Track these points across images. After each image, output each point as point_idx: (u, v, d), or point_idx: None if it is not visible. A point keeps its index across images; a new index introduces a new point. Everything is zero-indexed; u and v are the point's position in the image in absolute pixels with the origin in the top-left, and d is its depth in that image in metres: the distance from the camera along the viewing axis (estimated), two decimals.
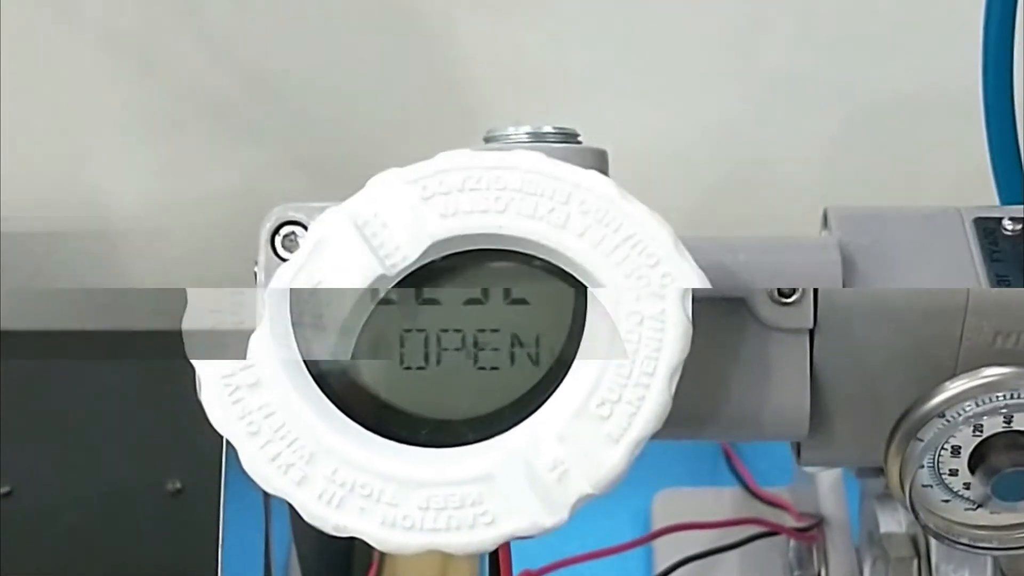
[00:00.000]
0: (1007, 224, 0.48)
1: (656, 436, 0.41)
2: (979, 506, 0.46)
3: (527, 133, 0.47)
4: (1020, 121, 0.57)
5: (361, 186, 0.43)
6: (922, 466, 0.45)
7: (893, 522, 0.58)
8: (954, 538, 0.46)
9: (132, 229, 0.95)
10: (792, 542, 0.70)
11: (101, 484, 0.73)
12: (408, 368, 0.43)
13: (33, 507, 0.73)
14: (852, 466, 0.56)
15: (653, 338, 0.41)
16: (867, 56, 0.88)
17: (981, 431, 0.45)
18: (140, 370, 0.83)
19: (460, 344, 0.43)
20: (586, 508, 0.41)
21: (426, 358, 0.43)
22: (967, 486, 0.46)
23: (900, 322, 0.45)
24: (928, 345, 0.45)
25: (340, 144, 0.92)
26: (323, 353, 0.42)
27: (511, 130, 0.47)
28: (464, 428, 0.43)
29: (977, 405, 0.44)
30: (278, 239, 0.47)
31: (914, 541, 0.56)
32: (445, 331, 0.43)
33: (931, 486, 0.46)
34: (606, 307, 0.41)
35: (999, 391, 0.44)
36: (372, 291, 0.42)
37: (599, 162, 0.46)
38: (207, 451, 0.69)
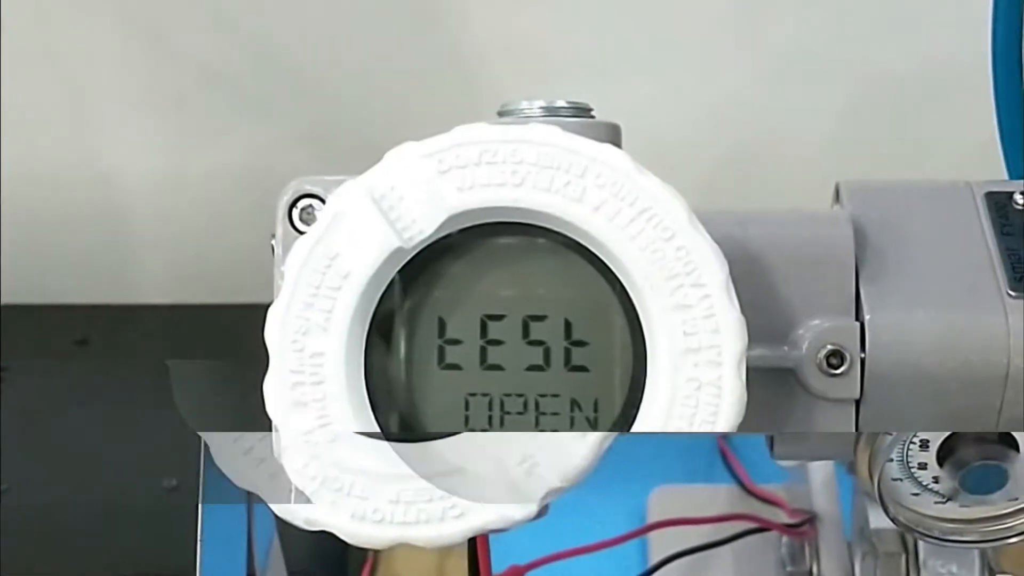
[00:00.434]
0: (1018, 199, 0.49)
1: None
2: (948, 499, 0.48)
3: (541, 107, 0.48)
4: None
5: (369, 160, 0.44)
6: (891, 459, 0.47)
7: (883, 518, 0.58)
8: (925, 531, 0.48)
9: (139, 204, 0.95)
10: (785, 538, 0.72)
11: (97, 482, 0.75)
12: (473, 431, 0.45)
13: (29, 505, 0.74)
14: (822, 459, 0.57)
15: (710, 404, 0.43)
16: (875, 31, 0.90)
17: None
18: (134, 367, 0.84)
19: (522, 408, 0.45)
20: (583, 505, 0.43)
21: (489, 421, 0.45)
22: (936, 479, 0.48)
23: (943, 393, 0.46)
24: (969, 415, 0.47)
25: (347, 119, 0.93)
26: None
27: (525, 104, 0.48)
28: None
29: None
30: (295, 212, 0.48)
31: (903, 537, 0.57)
32: (508, 395, 0.45)
33: (901, 480, 0.48)
34: (664, 372, 0.43)
35: None
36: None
37: (612, 136, 0.48)
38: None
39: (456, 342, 0.45)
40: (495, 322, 0.45)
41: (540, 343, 0.45)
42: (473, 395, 0.45)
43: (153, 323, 0.92)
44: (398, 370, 0.45)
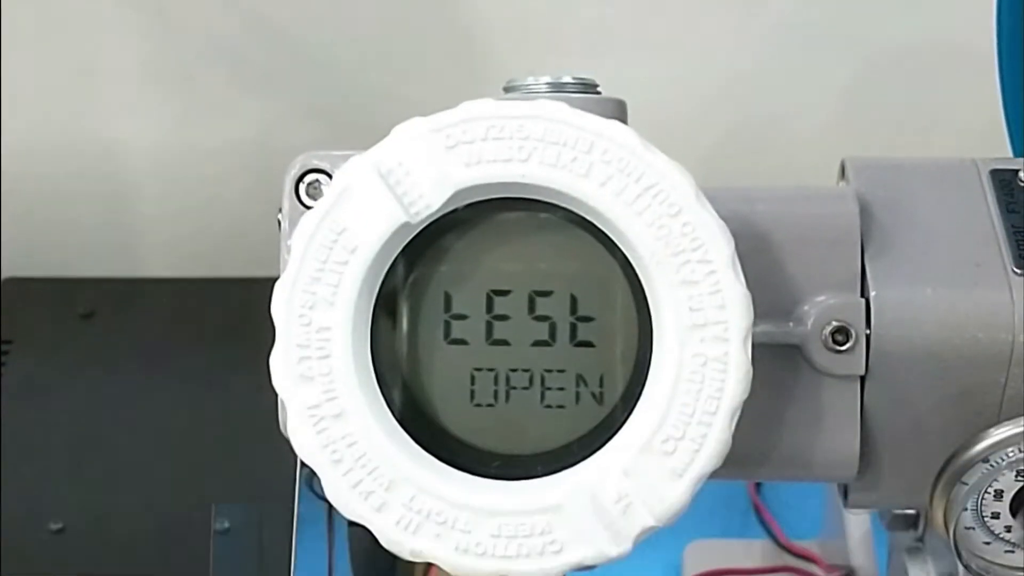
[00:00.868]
0: (1023, 176, 0.49)
1: (713, 475, 0.43)
2: (1019, 548, 0.48)
3: (547, 83, 0.48)
4: None
5: (376, 135, 0.44)
6: (965, 509, 0.48)
7: (922, 574, 0.59)
8: None
9: (145, 177, 0.96)
10: None
11: (151, 522, 0.76)
12: (478, 405, 0.45)
13: (85, 544, 0.75)
14: (897, 508, 0.58)
15: (716, 379, 0.43)
16: (881, 7, 0.90)
17: (1023, 476, 0.47)
18: (139, 341, 0.84)
19: (528, 383, 0.45)
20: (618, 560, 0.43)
21: (495, 396, 0.45)
22: (1008, 529, 0.48)
23: (946, 370, 0.47)
24: (974, 392, 0.47)
25: (353, 93, 0.93)
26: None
27: (531, 80, 0.48)
28: (533, 462, 0.45)
29: (1020, 451, 0.47)
30: (302, 187, 0.48)
31: None
32: (514, 370, 0.45)
33: (973, 528, 0.48)
34: (671, 348, 0.43)
35: None
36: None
37: (618, 112, 0.48)
38: (255, 491, 0.71)
39: (462, 317, 0.45)
40: (501, 297, 0.45)
41: (546, 318, 0.45)
42: (479, 370, 0.45)
43: (159, 297, 0.92)
44: (404, 345, 0.45)
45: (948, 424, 0.48)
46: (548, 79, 0.48)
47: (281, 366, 0.43)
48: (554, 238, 0.45)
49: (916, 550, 0.61)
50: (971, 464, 0.46)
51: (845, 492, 0.50)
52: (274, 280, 0.44)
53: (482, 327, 0.45)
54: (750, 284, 0.43)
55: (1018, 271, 0.47)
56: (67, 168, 0.98)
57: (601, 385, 0.45)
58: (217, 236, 0.99)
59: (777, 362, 0.48)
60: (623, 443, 0.44)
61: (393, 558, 0.44)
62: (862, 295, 0.47)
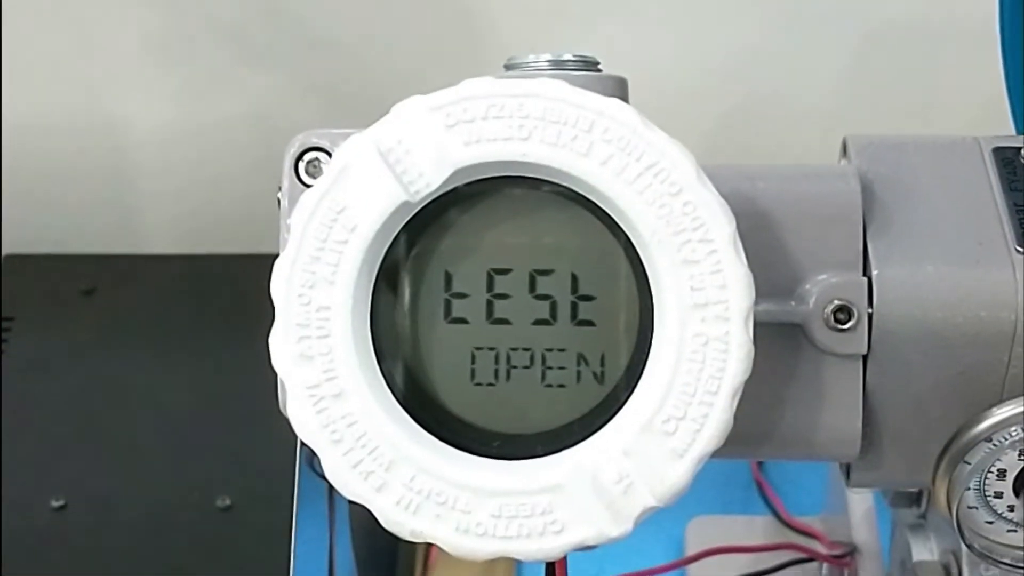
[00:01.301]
0: None
1: (715, 454, 0.43)
2: (1021, 527, 0.48)
3: (548, 61, 0.48)
4: None
5: (375, 112, 0.44)
6: (968, 488, 0.48)
7: (925, 550, 0.60)
8: (997, 558, 0.49)
9: (146, 153, 0.96)
10: (825, 569, 0.72)
11: (152, 499, 0.76)
12: (478, 384, 0.45)
13: (87, 522, 0.75)
14: (900, 487, 0.58)
15: (717, 359, 0.43)
16: None
17: None
18: (141, 317, 0.84)
19: (528, 362, 0.45)
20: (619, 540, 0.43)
21: (495, 375, 0.45)
22: (1011, 508, 0.48)
23: (949, 349, 0.47)
24: (975, 371, 0.47)
25: (354, 70, 0.93)
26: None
27: (531, 58, 0.48)
28: (534, 442, 0.45)
29: (1023, 430, 0.46)
30: (302, 165, 0.48)
31: (946, 569, 0.58)
32: (514, 349, 0.45)
33: (976, 508, 0.48)
34: (672, 328, 0.43)
35: None
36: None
37: (619, 90, 0.48)
38: (256, 469, 0.72)
39: (462, 296, 0.45)
40: (502, 276, 0.45)
41: (547, 297, 0.45)
42: (479, 349, 0.45)
43: (160, 273, 0.92)
44: (404, 324, 0.45)
45: (951, 403, 0.47)
46: (549, 57, 0.48)
47: (281, 345, 0.43)
48: (555, 217, 0.44)
49: (919, 527, 0.61)
50: (974, 443, 0.46)
51: (847, 471, 0.50)
52: (275, 257, 0.43)
53: (483, 306, 0.45)
54: (751, 263, 0.42)
55: (1021, 249, 0.47)
56: (68, 145, 0.98)
57: (602, 364, 0.45)
58: (218, 213, 0.99)
59: (779, 341, 0.48)
60: (624, 423, 0.43)
61: (394, 538, 0.43)
62: (864, 274, 0.47)
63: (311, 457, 0.48)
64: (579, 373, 0.45)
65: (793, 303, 0.47)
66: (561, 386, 0.45)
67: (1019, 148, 0.50)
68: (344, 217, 0.43)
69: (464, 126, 0.43)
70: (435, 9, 0.94)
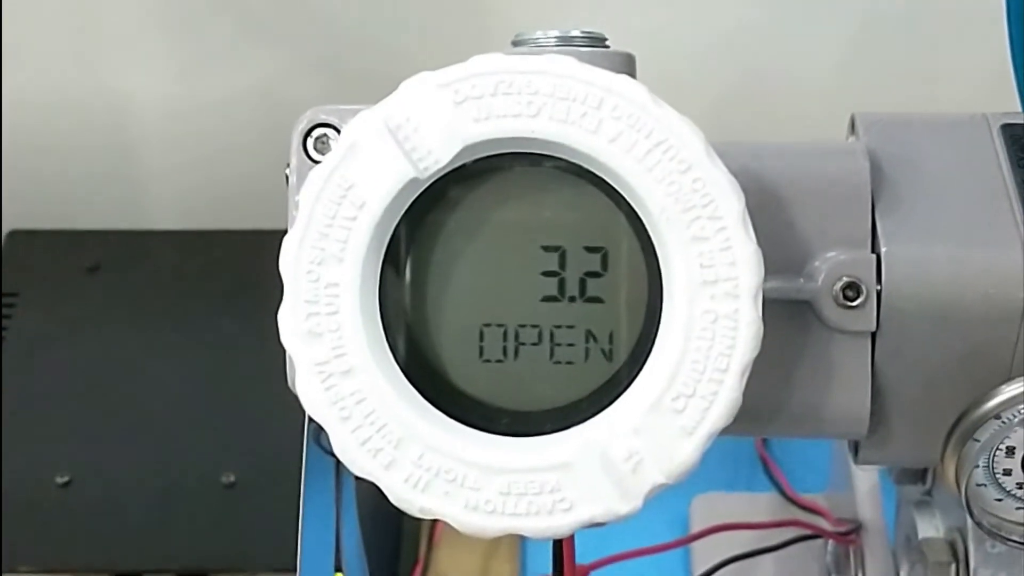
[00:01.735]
0: None
1: (724, 431, 0.43)
2: None
3: (556, 37, 0.48)
4: None
5: (380, 88, 0.44)
6: (977, 466, 0.47)
7: (931, 527, 0.60)
8: (1006, 535, 0.48)
9: (151, 129, 0.95)
10: (830, 546, 0.72)
11: (157, 476, 0.76)
12: (487, 361, 0.45)
13: (91, 497, 0.76)
14: (908, 465, 0.58)
15: (727, 336, 0.43)
16: None
17: None
18: (145, 293, 0.84)
19: (537, 339, 0.45)
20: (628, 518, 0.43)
21: (504, 352, 0.45)
22: (1020, 486, 0.48)
23: (958, 326, 0.47)
24: (985, 348, 0.47)
25: (360, 46, 0.92)
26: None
27: (539, 34, 0.48)
28: (542, 419, 0.45)
29: None
30: (310, 141, 0.48)
31: (952, 546, 0.58)
32: (523, 326, 0.45)
33: (985, 485, 0.48)
34: (681, 305, 0.43)
35: None
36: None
37: (627, 66, 0.48)
38: (260, 445, 0.72)
39: (471, 273, 0.45)
40: (510, 253, 0.45)
41: (555, 274, 0.45)
42: (488, 326, 0.45)
43: (164, 249, 0.92)
44: (413, 301, 0.45)
45: (959, 381, 0.47)
46: (557, 33, 0.48)
47: (289, 322, 0.43)
48: (563, 193, 0.44)
49: (924, 504, 0.61)
50: (983, 421, 0.46)
51: (855, 449, 0.50)
52: (282, 233, 0.43)
53: (491, 283, 0.45)
54: (760, 240, 0.42)
55: None
56: (72, 121, 0.98)
57: (611, 342, 0.45)
58: (223, 188, 0.99)
59: (787, 318, 0.48)
60: (633, 400, 0.43)
61: (399, 514, 0.43)
62: (873, 251, 0.47)
63: (318, 433, 0.48)
64: (587, 350, 0.45)
65: (802, 280, 0.47)
66: (569, 363, 0.45)
67: None
68: (353, 194, 0.43)
69: (473, 103, 0.43)
70: None
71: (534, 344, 0.45)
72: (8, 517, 0.74)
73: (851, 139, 0.51)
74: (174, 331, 0.87)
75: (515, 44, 0.48)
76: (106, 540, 0.75)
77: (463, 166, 0.44)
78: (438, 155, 0.43)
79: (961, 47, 0.92)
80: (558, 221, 0.45)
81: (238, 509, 0.76)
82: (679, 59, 0.92)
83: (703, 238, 0.43)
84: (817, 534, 0.73)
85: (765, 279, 0.43)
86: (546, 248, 0.45)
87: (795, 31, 0.94)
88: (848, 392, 0.48)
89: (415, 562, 0.79)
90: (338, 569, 0.55)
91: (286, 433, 0.52)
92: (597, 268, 0.45)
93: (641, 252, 0.44)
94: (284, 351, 0.44)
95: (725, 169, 0.43)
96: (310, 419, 0.44)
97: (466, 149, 0.43)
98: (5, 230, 0.94)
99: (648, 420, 0.43)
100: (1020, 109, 0.58)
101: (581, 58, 0.44)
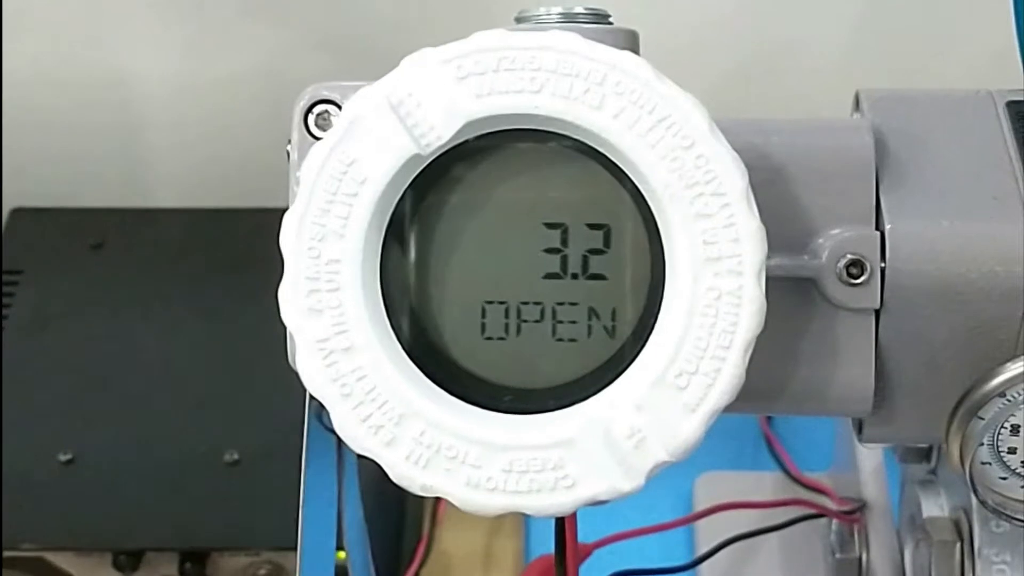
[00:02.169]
0: None
1: (727, 409, 0.43)
2: None
3: (559, 14, 0.47)
4: None
5: (384, 65, 0.44)
6: (982, 444, 0.47)
7: (935, 507, 0.60)
8: (1010, 514, 0.48)
9: (155, 107, 0.95)
10: (834, 525, 0.71)
11: (160, 453, 0.76)
12: (489, 338, 0.45)
13: (94, 475, 0.76)
14: (912, 443, 0.58)
15: (730, 313, 0.43)
16: None
17: None
18: (149, 271, 0.84)
19: (539, 316, 0.45)
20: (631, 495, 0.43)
21: (506, 329, 0.45)
22: None
23: (963, 304, 0.46)
24: (989, 326, 0.47)
25: (363, 23, 0.92)
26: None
27: (543, 11, 0.48)
28: (545, 396, 0.45)
29: None
30: (311, 118, 0.47)
31: (957, 525, 0.58)
32: (525, 303, 0.45)
33: (989, 463, 0.48)
34: (684, 282, 0.43)
35: None
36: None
37: (631, 43, 0.47)
38: (264, 423, 0.72)
39: (473, 249, 0.45)
40: (512, 230, 0.45)
41: (557, 251, 0.45)
42: (490, 303, 0.45)
43: (168, 227, 0.92)
44: (414, 277, 0.45)
45: (964, 358, 0.47)
46: (560, 9, 0.47)
47: (290, 299, 0.43)
48: (566, 170, 0.44)
49: (929, 482, 0.61)
50: (987, 399, 0.46)
51: (860, 427, 0.50)
52: (284, 211, 0.43)
53: (493, 259, 0.45)
54: (764, 217, 0.42)
55: None
56: (76, 98, 0.98)
57: (613, 318, 0.45)
58: (227, 166, 0.99)
59: (791, 296, 0.47)
60: (636, 377, 0.43)
61: (402, 492, 0.43)
62: (877, 228, 0.47)
63: (320, 411, 0.48)
64: (590, 327, 0.45)
65: (806, 257, 0.47)
66: (572, 340, 0.45)
67: None
68: (354, 170, 0.43)
69: (475, 79, 0.43)
70: None
71: (536, 321, 0.45)
72: (11, 495, 0.74)
73: (855, 115, 0.51)
74: (178, 308, 0.87)
75: (518, 21, 0.48)
76: (109, 518, 0.75)
77: (465, 142, 0.44)
78: (440, 131, 0.43)
79: (966, 24, 0.91)
80: (561, 198, 0.45)
81: (241, 487, 0.76)
82: (682, 35, 0.92)
83: (706, 215, 0.42)
84: (821, 513, 0.73)
85: (769, 256, 0.43)
86: (549, 225, 0.45)
87: (800, 7, 0.94)
88: (852, 370, 0.48)
89: (418, 540, 0.79)
90: (340, 547, 0.55)
91: (289, 411, 0.51)
92: (600, 245, 0.45)
93: (644, 229, 0.44)
94: (285, 328, 0.43)
95: (728, 146, 0.43)
96: (311, 396, 0.44)
97: (468, 125, 0.43)
98: (9, 207, 0.94)
99: (651, 397, 0.43)
100: None
101: (584, 35, 0.43)
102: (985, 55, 0.75)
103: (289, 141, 0.47)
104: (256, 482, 0.76)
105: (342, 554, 0.56)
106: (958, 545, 0.58)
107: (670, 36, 0.81)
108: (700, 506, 0.77)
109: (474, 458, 0.43)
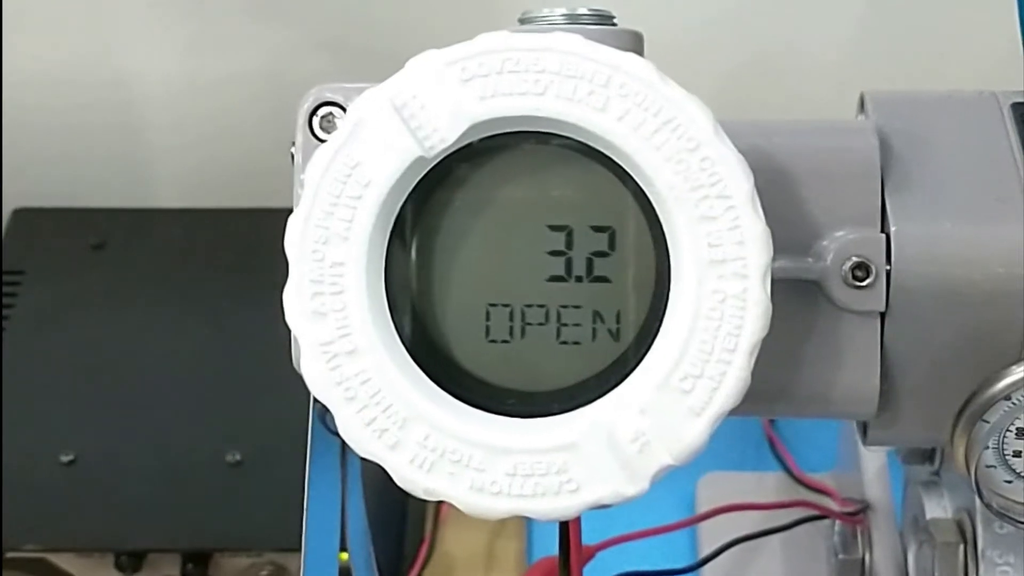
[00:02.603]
0: None
1: (732, 412, 0.43)
2: None
3: (562, 15, 0.47)
4: None
5: (386, 67, 0.44)
6: (987, 447, 0.47)
7: (939, 508, 0.60)
8: (1015, 517, 0.48)
9: (156, 107, 0.95)
10: (837, 526, 0.71)
11: (162, 454, 0.76)
12: (493, 341, 0.45)
13: (96, 476, 0.76)
14: (917, 445, 0.58)
15: (735, 316, 0.43)
16: None
17: None
18: (151, 272, 0.84)
19: (543, 319, 0.45)
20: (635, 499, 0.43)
21: (510, 332, 0.45)
22: None
23: (968, 306, 0.46)
24: (994, 329, 0.46)
25: (365, 24, 0.92)
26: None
27: (546, 12, 0.47)
28: (549, 399, 0.45)
29: None
30: (316, 120, 0.47)
31: (960, 527, 0.58)
32: (529, 306, 0.45)
33: (995, 467, 0.48)
34: (689, 285, 0.43)
35: None
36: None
37: (635, 44, 0.47)
38: (265, 424, 0.71)
39: (477, 252, 0.45)
40: (516, 232, 0.45)
41: (561, 253, 0.45)
42: (494, 306, 0.45)
43: (170, 227, 0.92)
44: (418, 280, 0.44)
45: (969, 361, 0.47)
46: (563, 11, 0.47)
47: (294, 302, 0.43)
48: (570, 172, 0.44)
49: (932, 484, 0.61)
50: (992, 402, 0.46)
51: (864, 429, 0.50)
52: (286, 211, 0.43)
53: (497, 262, 0.45)
54: (768, 219, 0.42)
55: None
56: (77, 98, 0.97)
57: (618, 321, 0.45)
58: (228, 166, 0.99)
59: (796, 298, 0.47)
60: (640, 381, 0.43)
61: (404, 495, 0.43)
62: (882, 230, 0.47)
63: (323, 413, 0.48)
64: (594, 330, 0.45)
65: (810, 260, 0.47)
66: (576, 343, 0.45)
67: None
68: (358, 172, 0.43)
69: (479, 81, 0.43)
70: None
71: (540, 324, 0.45)
72: (13, 495, 0.74)
73: (860, 117, 0.51)
74: (179, 309, 0.87)
75: (521, 22, 0.48)
76: (111, 519, 0.75)
77: (469, 145, 0.44)
78: (444, 133, 0.43)
79: (971, 24, 0.91)
80: (565, 200, 0.45)
81: (243, 488, 0.76)
82: (685, 36, 0.91)
83: (711, 217, 0.42)
84: (824, 515, 0.73)
85: (774, 259, 0.42)
86: (553, 227, 0.45)
87: (803, 9, 0.94)
88: (857, 372, 0.48)
89: (420, 541, 0.79)
90: (343, 549, 0.55)
91: (291, 412, 0.51)
92: (604, 248, 0.45)
93: (648, 231, 0.44)
94: (289, 330, 0.43)
95: (734, 148, 0.42)
96: (314, 399, 0.43)
97: (473, 127, 0.43)
98: (11, 208, 0.93)
99: (655, 401, 0.43)
100: None
101: (589, 36, 0.43)
102: (989, 56, 0.75)
103: (293, 143, 0.47)
104: (258, 483, 0.76)
105: (345, 556, 0.55)
106: (961, 547, 0.57)
107: (673, 37, 0.81)
108: (702, 507, 0.77)
109: (478, 462, 0.43)
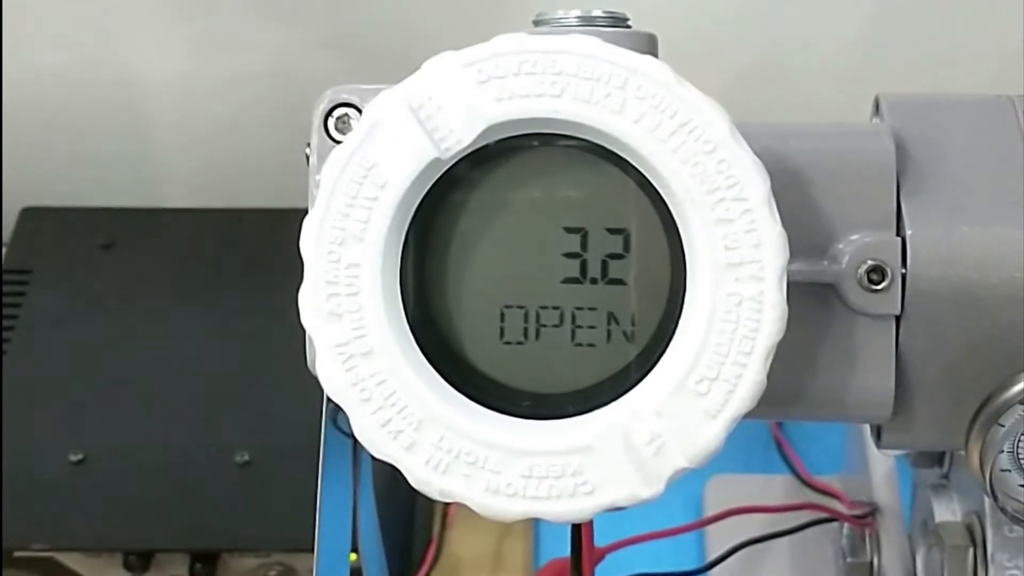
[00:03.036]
0: None
1: (747, 415, 0.43)
2: None
3: (577, 17, 0.47)
4: None
5: (396, 66, 0.44)
6: (1002, 451, 0.47)
7: (948, 511, 0.60)
8: None
9: (164, 107, 0.95)
10: (845, 529, 0.71)
11: (171, 454, 0.76)
12: (508, 343, 0.45)
13: (104, 476, 0.76)
14: (931, 449, 0.57)
15: (751, 319, 0.43)
16: None
17: None
18: (159, 271, 0.84)
19: (558, 321, 0.45)
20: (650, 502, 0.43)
21: (525, 334, 0.45)
22: None
23: (983, 310, 0.46)
24: (1011, 332, 0.46)
25: (374, 24, 0.92)
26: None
27: (561, 14, 0.47)
28: (564, 401, 0.45)
29: None
30: (331, 121, 0.47)
31: (969, 530, 0.58)
32: (544, 308, 0.45)
33: (1009, 471, 0.47)
34: (705, 287, 0.43)
35: None
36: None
37: (650, 47, 0.47)
38: (274, 424, 0.72)
39: (492, 254, 0.45)
40: (531, 234, 0.45)
41: (577, 255, 0.45)
42: (509, 307, 0.45)
43: (178, 227, 0.92)
44: (434, 282, 0.44)
45: (984, 365, 0.47)
46: (578, 13, 0.47)
47: (310, 303, 0.43)
48: (585, 174, 0.44)
49: (941, 487, 0.61)
50: (1008, 406, 0.46)
51: (878, 433, 0.49)
52: (295, 211, 0.43)
53: (512, 264, 0.45)
54: (784, 222, 0.42)
55: None
56: (86, 98, 0.97)
57: (633, 324, 0.45)
58: (237, 166, 0.99)
59: (811, 301, 0.47)
60: (656, 383, 0.43)
61: (412, 495, 0.43)
62: (898, 234, 0.47)
63: (335, 413, 0.48)
64: (609, 332, 0.45)
65: (826, 263, 0.47)
66: (591, 345, 0.45)
67: None
68: (374, 174, 0.43)
69: (496, 82, 0.43)
70: None
71: (555, 326, 0.45)
72: (21, 495, 0.74)
73: (875, 120, 0.51)
74: (187, 308, 0.87)
75: (536, 24, 0.48)
76: (119, 518, 0.75)
77: (485, 146, 0.44)
78: (460, 135, 0.43)
79: (979, 26, 0.91)
80: (580, 202, 0.45)
81: (251, 488, 0.76)
82: (697, 37, 0.91)
83: (728, 220, 0.42)
84: (833, 517, 0.73)
85: (789, 261, 0.42)
86: (568, 229, 0.45)
87: (812, 9, 0.93)
88: (872, 376, 0.47)
89: (428, 542, 0.79)
90: (354, 550, 0.55)
91: (299, 411, 0.52)
92: (619, 250, 0.45)
93: (664, 234, 0.44)
94: (299, 329, 0.43)
95: (750, 150, 0.42)
96: (327, 399, 0.43)
97: (489, 129, 0.43)
98: (19, 207, 0.93)
99: (671, 403, 0.43)
100: None
101: (604, 38, 0.43)
102: (999, 56, 0.75)
103: (308, 144, 0.47)
104: (267, 483, 0.76)
105: (355, 556, 0.55)
106: (970, 550, 0.57)
107: (685, 38, 0.81)
108: (710, 509, 0.77)
109: (493, 463, 0.43)
